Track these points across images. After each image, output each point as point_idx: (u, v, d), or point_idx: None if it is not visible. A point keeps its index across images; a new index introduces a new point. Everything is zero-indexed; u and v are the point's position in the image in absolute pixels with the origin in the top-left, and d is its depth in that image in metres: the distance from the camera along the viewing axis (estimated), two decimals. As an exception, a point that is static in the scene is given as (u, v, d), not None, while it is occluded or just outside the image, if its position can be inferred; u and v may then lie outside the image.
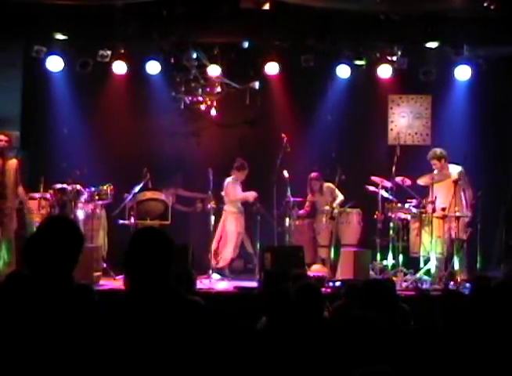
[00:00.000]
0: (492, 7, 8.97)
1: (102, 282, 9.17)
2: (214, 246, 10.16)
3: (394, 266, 9.65)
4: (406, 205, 9.80)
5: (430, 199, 9.55)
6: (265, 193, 10.16)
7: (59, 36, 10.27)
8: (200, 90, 11.11)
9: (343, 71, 10.92)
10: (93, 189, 9.73)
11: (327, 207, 10.21)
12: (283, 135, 10.30)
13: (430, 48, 10.51)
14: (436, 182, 9.63)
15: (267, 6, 9.38)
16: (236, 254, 10.52)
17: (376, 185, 9.98)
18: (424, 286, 9.18)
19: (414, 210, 9.73)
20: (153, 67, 10.74)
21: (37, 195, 9.39)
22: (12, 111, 10.73)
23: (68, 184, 9.52)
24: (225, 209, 10.42)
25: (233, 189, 10.38)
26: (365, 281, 5.06)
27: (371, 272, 9.53)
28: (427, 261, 9.54)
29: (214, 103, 11.18)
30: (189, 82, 11.06)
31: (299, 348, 4.14)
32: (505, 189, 11.23)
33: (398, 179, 9.89)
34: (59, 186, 9.50)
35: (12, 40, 10.38)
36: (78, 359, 3.02)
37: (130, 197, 9.85)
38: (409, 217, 9.82)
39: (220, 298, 8.38)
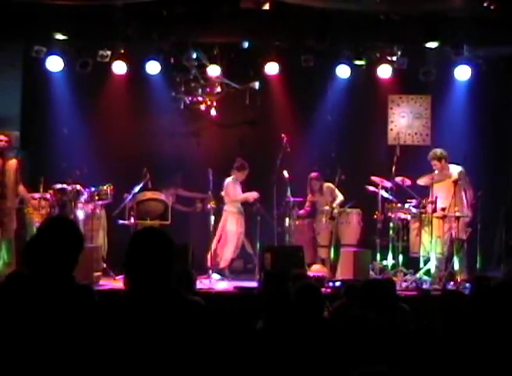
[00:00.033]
0: (492, 7, 8.96)
1: (102, 282, 9.17)
2: (213, 246, 10.15)
3: (394, 266, 9.65)
4: (406, 205, 9.80)
5: (430, 199, 9.55)
6: (265, 193, 10.16)
7: (59, 36, 10.25)
8: (200, 90, 11.11)
9: (343, 71, 10.92)
10: (93, 189, 9.73)
11: (327, 208, 10.21)
12: (283, 135, 10.30)
13: (430, 48, 10.50)
14: (436, 182, 9.63)
15: (267, 6, 9.38)
16: (236, 254, 10.52)
17: (376, 185, 9.98)
18: (424, 286, 9.19)
19: (414, 210, 9.73)
20: (152, 67, 10.74)
21: (37, 195, 9.38)
22: (12, 111, 10.73)
23: (68, 184, 9.52)
24: (226, 209, 10.41)
25: (234, 189, 10.38)
26: (365, 281, 5.06)
27: (371, 273, 9.53)
28: (427, 261, 9.54)
29: (214, 103, 11.18)
30: (189, 82, 11.06)
31: (299, 348, 4.14)
32: (505, 189, 11.23)
33: (398, 179, 9.89)
34: (59, 186, 9.50)
35: (12, 40, 10.38)
36: (78, 359, 3.02)
37: (130, 197, 9.85)
38: (408, 217, 9.82)
39: (220, 298, 8.38)
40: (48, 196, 9.39)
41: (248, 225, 10.47)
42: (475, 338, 4.12)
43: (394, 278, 8.93)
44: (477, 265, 9.55)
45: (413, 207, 9.76)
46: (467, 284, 8.78)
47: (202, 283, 8.97)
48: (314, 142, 11.30)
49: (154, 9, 9.63)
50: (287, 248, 9.86)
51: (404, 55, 10.69)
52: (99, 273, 9.28)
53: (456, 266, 9.41)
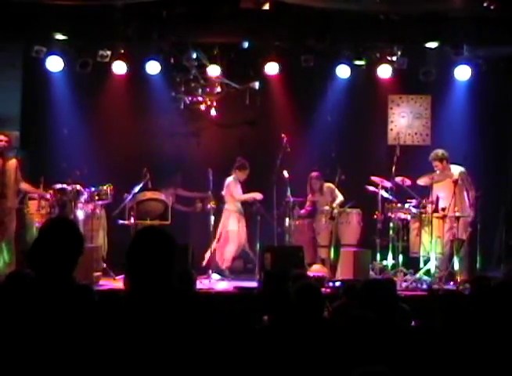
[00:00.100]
0: (492, 7, 8.97)
1: (102, 282, 9.18)
2: (212, 246, 10.15)
3: (394, 266, 9.65)
4: (406, 205, 9.80)
5: (430, 199, 9.56)
6: (265, 193, 10.16)
7: (59, 36, 10.26)
8: (200, 90, 11.11)
9: (343, 71, 10.92)
10: (93, 189, 9.72)
11: (327, 208, 10.21)
12: (283, 135, 10.31)
13: (430, 48, 10.51)
14: (436, 182, 9.64)
15: (267, 6, 9.38)
16: (238, 253, 10.51)
17: (376, 185, 9.98)
18: (424, 286, 9.19)
19: (414, 210, 9.74)
20: (152, 67, 10.74)
21: (37, 195, 9.38)
22: (12, 111, 10.73)
23: (68, 184, 9.51)
24: (226, 208, 10.39)
25: (236, 188, 10.36)
26: (365, 281, 5.06)
27: (371, 273, 9.53)
28: (427, 261, 9.54)
29: (214, 103, 11.18)
30: (189, 82, 11.06)
31: (299, 348, 4.14)
32: (505, 189, 11.23)
33: (398, 179, 9.89)
34: (59, 186, 9.49)
35: (12, 40, 10.37)
36: (78, 359, 3.02)
37: (130, 197, 9.85)
38: (408, 217, 9.82)
39: (220, 298, 8.38)
40: (48, 196, 9.39)
41: (248, 225, 10.46)
42: (475, 337, 4.12)
43: (394, 278, 8.93)
44: (477, 265, 9.56)
45: (413, 207, 9.76)
46: (467, 284, 8.77)
47: (202, 284, 8.98)
48: (314, 142, 11.30)
49: (154, 9, 9.63)
50: (287, 248, 9.86)
51: (404, 55, 10.69)
52: (98, 273, 9.29)
53: (456, 266, 9.41)
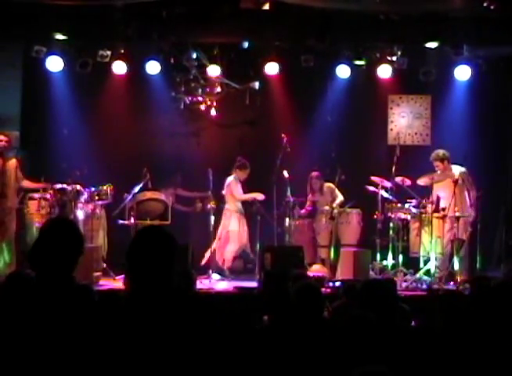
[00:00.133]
0: (491, 7, 8.97)
1: (102, 282, 9.18)
2: (213, 246, 10.14)
3: (394, 266, 9.66)
4: (406, 205, 9.80)
5: (430, 199, 9.56)
6: (265, 193, 10.16)
7: (59, 36, 10.26)
8: (200, 90, 11.11)
9: (343, 71, 10.92)
10: (93, 189, 9.72)
11: (327, 208, 10.22)
12: (283, 135, 10.31)
13: (430, 48, 10.51)
14: (436, 182, 9.64)
15: (267, 6, 9.38)
16: (239, 253, 10.51)
17: (376, 185, 9.98)
18: (424, 286, 9.19)
19: (414, 210, 9.74)
20: (152, 67, 10.74)
21: (37, 195, 9.38)
22: (12, 111, 10.73)
23: (68, 184, 9.52)
24: (227, 208, 10.38)
25: (236, 187, 10.36)
26: (365, 281, 5.06)
27: (371, 273, 9.53)
28: (427, 261, 9.55)
29: (214, 103, 11.18)
30: (189, 82, 11.05)
31: (299, 348, 4.14)
32: (505, 189, 11.23)
33: (398, 179, 9.89)
34: (59, 186, 9.50)
35: (12, 40, 10.38)
36: (78, 359, 3.02)
37: (130, 197, 9.85)
38: (408, 217, 9.82)
39: (220, 298, 8.38)
40: (48, 196, 9.39)
41: (248, 225, 10.46)
42: (475, 337, 4.12)
43: (394, 278, 8.92)
44: (477, 265, 9.56)
45: (413, 207, 9.76)
46: (467, 284, 8.77)
47: (202, 284, 8.98)
48: (314, 142, 11.30)
49: (154, 9, 9.63)
50: (287, 248, 9.86)
51: (404, 55, 10.69)
52: (98, 273, 9.29)
53: (456, 266, 9.41)
